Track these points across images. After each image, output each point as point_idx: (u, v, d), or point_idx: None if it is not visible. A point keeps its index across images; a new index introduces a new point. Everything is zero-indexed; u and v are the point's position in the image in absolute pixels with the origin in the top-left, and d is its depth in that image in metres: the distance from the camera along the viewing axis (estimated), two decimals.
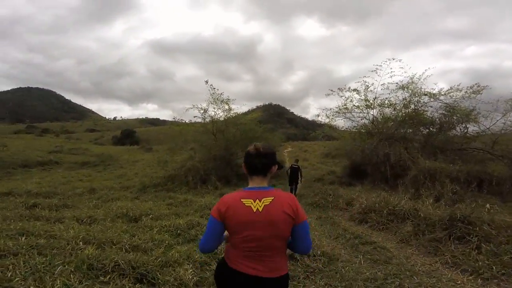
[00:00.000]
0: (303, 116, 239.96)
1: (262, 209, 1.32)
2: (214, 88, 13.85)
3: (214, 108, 14.03)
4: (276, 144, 14.52)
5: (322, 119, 13.01)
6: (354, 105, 11.66)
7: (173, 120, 15.47)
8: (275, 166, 1.45)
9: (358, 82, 11.40)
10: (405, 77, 10.69)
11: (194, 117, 14.36)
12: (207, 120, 14.10)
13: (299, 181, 9.86)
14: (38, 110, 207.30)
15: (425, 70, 11.03)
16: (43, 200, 7.16)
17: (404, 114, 10.54)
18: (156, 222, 5.09)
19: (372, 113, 11.61)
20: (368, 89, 11.22)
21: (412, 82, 10.33)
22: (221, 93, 13.91)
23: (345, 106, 11.84)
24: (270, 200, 1.34)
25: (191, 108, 14.10)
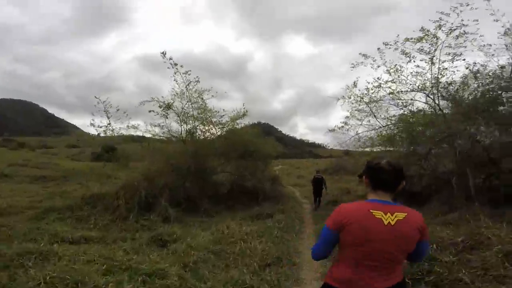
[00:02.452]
0: (291, 135, 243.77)
1: (395, 223, 1.29)
2: (177, 65, 9.75)
3: (183, 103, 10.35)
4: (270, 152, 12.13)
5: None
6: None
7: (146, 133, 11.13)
8: (404, 181, 1.39)
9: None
10: None
11: (150, 111, 10.06)
12: (172, 119, 10.43)
13: (323, 191, 9.83)
14: (19, 123, 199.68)
15: None
16: None
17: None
18: None
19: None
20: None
21: None
22: (196, 79, 10.10)
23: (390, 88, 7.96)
24: (404, 216, 1.31)
25: (149, 101, 10.07)
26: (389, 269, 1.33)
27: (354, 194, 12.13)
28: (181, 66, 10.05)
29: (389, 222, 1.28)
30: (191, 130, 10.89)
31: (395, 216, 1.30)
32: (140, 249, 4.65)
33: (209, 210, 8.64)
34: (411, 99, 7.96)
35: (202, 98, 10.55)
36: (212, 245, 4.74)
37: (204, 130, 10.94)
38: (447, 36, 6.72)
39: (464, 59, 6.86)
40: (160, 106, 10.29)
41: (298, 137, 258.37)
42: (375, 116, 8.53)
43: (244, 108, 11.01)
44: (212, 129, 10.89)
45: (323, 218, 6.39)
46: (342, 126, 8.95)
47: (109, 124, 9.54)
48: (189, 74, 10.22)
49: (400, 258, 1.35)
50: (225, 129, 11.02)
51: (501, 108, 6.42)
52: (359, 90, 8.59)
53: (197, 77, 10.37)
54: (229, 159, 10.65)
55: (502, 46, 6.25)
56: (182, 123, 10.80)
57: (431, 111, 7.46)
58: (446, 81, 7.27)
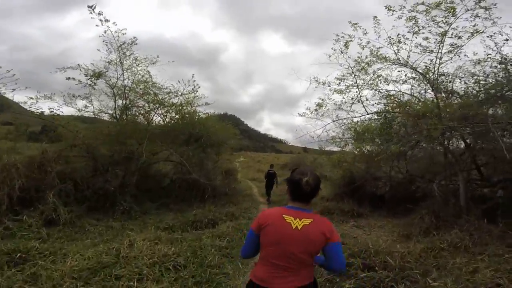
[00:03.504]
0: (256, 129, 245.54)
1: (301, 227, 1.44)
2: (108, 21, 7.29)
3: (119, 72, 7.82)
4: (229, 137, 9.78)
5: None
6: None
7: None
8: (318, 192, 1.52)
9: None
10: None
11: (69, 78, 7.28)
12: (106, 93, 7.94)
13: (274, 186, 9.96)
14: None
15: None
16: None
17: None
18: None
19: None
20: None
21: None
22: (133, 41, 7.72)
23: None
24: (310, 222, 1.45)
25: (73, 68, 7.41)
26: (297, 270, 1.45)
27: None
28: (114, 23, 7.41)
29: (296, 226, 1.44)
30: (127, 106, 8.27)
31: (302, 222, 1.45)
32: None
33: (131, 210, 6.32)
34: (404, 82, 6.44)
35: (148, 72, 8.17)
36: (80, 280, 2.63)
37: (143, 107, 8.36)
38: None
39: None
40: (86, 75, 7.57)
41: (262, 131, 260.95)
42: (360, 100, 6.85)
43: (194, 81, 8.50)
44: (158, 109, 8.36)
45: None
46: (316, 109, 7.17)
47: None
48: (123, 34, 7.64)
49: (307, 259, 1.46)
50: (175, 111, 8.55)
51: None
52: (349, 57, 6.74)
53: (134, 38, 7.83)
54: (175, 146, 8.32)
55: None
56: (116, 98, 8.18)
57: (432, 100, 6.00)
58: (457, 66, 5.83)
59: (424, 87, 6.47)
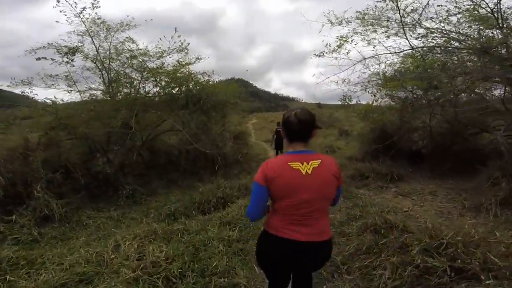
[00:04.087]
0: (266, 89, 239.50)
1: (312, 171, 1.33)
2: None
3: (97, 43, 6.83)
4: (234, 96, 8.59)
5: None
6: None
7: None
8: (315, 130, 1.41)
9: None
10: None
11: (39, 59, 6.34)
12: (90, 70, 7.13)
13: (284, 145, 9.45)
14: None
15: None
16: None
17: None
18: None
19: None
20: None
21: None
22: (95, 3, 6.46)
23: None
24: (319, 163, 1.35)
25: (44, 47, 6.39)
26: (316, 220, 1.36)
27: (340, 154, 9.78)
28: None
29: (306, 172, 1.33)
30: (113, 79, 7.25)
31: (311, 165, 1.34)
32: None
33: (135, 194, 5.70)
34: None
35: (131, 38, 7.11)
36: None
37: (129, 77, 7.32)
38: None
39: None
40: (60, 52, 6.56)
41: (272, 92, 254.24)
42: (403, 28, 5.26)
43: (179, 37, 7.18)
44: (151, 77, 7.29)
45: None
46: (338, 48, 5.80)
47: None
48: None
49: (326, 207, 1.40)
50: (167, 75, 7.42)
51: None
52: None
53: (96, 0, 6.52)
54: (172, 114, 7.40)
55: None
56: (103, 73, 7.20)
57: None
58: None
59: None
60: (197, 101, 7.10)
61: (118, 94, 7.19)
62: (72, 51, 6.72)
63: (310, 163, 1.33)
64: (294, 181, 1.31)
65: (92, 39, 6.82)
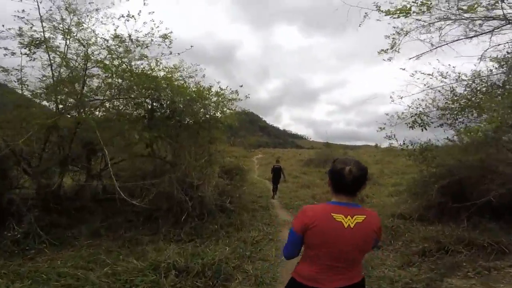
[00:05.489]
0: (275, 125, 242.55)
1: (354, 226, 1.30)
2: None
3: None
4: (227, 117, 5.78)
5: None
6: None
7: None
8: (365, 184, 1.37)
9: None
10: None
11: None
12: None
13: (281, 179, 9.93)
14: None
15: None
16: None
17: None
18: None
19: None
20: None
21: None
22: None
23: None
24: (363, 219, 1.32)
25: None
26: (349, 269, 1.36)
27: (374, 206, 6.83)
28: None
29: (349, 225, 1.30)
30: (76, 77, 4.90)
31: (355, 219, 1.31)
32: None
33: (30, 239, 3.14)
34: None
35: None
36: None
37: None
38: None
39: None
40: (22, 43, 4.71)
41: (281, 128, 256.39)
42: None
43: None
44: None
45: None
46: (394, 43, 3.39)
47: None
48: None
49: (359, 258, 1.39)
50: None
51: None
52: None
53: None
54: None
55: None
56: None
57: None
58: None
59: None
60: (168, 116, 4.57)
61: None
62: (37, 43, 4.67)
63: (354, 217, 1.30)
64: (334, 232, 1.28)
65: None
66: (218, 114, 5.33)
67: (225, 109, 5.51)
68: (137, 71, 4.88)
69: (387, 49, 5.01)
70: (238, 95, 5.45)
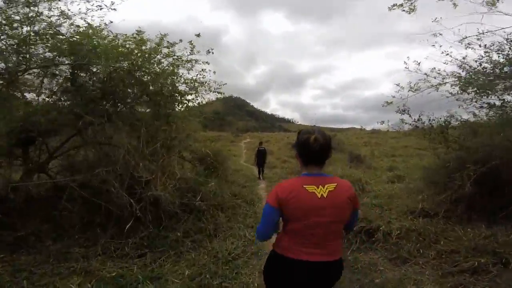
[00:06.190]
0: (263, 109, 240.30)
1: (327, 195, 1.30)
2: None
3: None
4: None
5: None
6: None
7: None
8: (331, 152, 1.36)
9: None
10: None
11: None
12: None
13: (265, 162, 9.86)
14: None
15: None
16: None
17: None
18: None
19: None
20: None
21: None
22: None
23: None
24: (334, 186, 1.32)
25: None
26: (328, 242, 1.32)
27: (378, 196, 5.70)
28: None
29: (322, 195, 1.30)
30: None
31: (327, 188, 1.31)
32: None
33: None
34: None
35: None
36: None
37: None
38: None
39: None
40: None
41: (269, 112, 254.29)
42: None
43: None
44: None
45: None
46: None
47: None
48: None
49: (339, 229, 1.36)
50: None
51: None
52: None
53: None
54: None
55: None
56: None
57: None
58: None
59: None
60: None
61: None
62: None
63: (326, 186, 1.31)
64: (309, 203, 1.27)
65: None
66: (179, 85, 3.92)
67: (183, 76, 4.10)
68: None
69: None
70: (199, 51, 4.04)
